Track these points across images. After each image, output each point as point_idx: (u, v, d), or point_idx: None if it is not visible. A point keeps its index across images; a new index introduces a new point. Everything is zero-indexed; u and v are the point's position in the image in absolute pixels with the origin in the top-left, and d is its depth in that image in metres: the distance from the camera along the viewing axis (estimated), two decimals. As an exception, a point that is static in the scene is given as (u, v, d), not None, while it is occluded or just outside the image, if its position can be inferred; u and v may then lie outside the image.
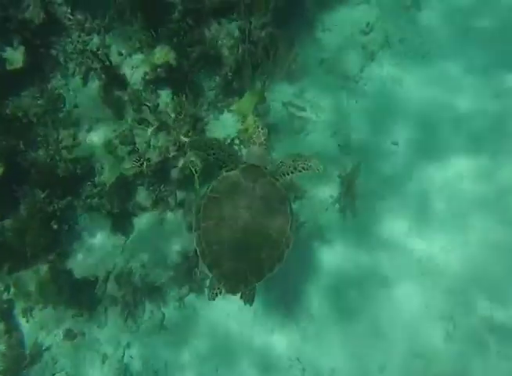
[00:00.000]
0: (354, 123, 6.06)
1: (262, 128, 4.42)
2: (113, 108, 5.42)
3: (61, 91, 5.81)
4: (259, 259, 3.96)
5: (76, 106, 5.76)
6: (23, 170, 5.35)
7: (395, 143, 5.97)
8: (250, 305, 4.32)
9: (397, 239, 5.58)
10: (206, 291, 5.35)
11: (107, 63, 5.58)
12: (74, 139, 5.53)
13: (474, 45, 6.40)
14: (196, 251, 4.08)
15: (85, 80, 5.73)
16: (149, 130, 5.37)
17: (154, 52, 5.65)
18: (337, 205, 5.76)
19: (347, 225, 5.68)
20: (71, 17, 5.95)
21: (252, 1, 5.49)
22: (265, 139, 4.38)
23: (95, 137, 5.51)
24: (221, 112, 5.67)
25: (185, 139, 5.13)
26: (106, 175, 5.40)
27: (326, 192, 5.80)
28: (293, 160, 4.34)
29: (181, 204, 5.54)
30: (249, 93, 5.56)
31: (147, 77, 5.66)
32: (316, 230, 5.71)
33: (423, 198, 5.72)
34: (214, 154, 4.29)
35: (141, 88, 5.71)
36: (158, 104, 5.52)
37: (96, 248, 5.41)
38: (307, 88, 6.21)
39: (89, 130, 5.57)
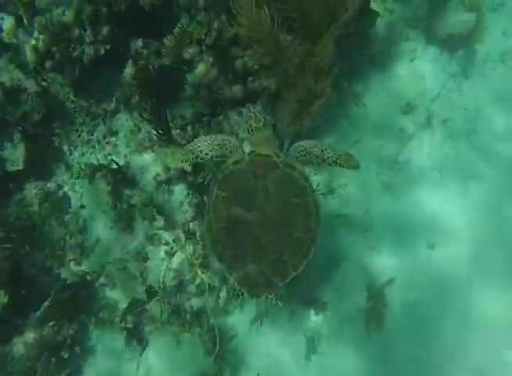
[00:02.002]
0: (387, 220, 5.43)
1: (256, 109, 4.04)
2: (122, 222, 4.90)
3: (65, 189, 5.28)
4: (282, 260, 3.62)
5: (83, 206, 5.26)
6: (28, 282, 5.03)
7: (431, 247, 5.37)
8: (281, 303, 3.99)
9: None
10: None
11: (114, 166, 5.06)
12: (82, 252, 5.06)
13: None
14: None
15: (92, 178, 5.14)
16: (163, 249, 4.87)
17: (166, 153, 5.03)
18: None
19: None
20: (74, 99, 5.27)
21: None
22: (264, 118, 3.85)
23: (105, 250, 5.03)
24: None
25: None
26: (118, 292, 5.01)
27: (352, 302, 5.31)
28: (322, 150, 3.81)
29: (197, 317, 5.14)
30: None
31: (159, 178, 5.08)
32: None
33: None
34: (211, 157, 3.84)
35: (152, 189, 5.12)
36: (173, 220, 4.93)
37: (111, 365, 5.12)
38: (335, 174, 5.55)
39: (98, 240, 5.08)
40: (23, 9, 4.84)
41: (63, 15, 4.70)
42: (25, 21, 5.01)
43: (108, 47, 4.88)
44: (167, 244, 4.99)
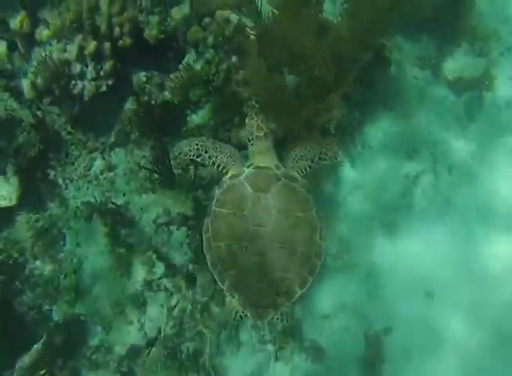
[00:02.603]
0: (387, 269, 5.40)
1: (258, 116, 3.68)
2: (121, 267, 4.74)
3: (60, 224, 5.06)
4: (287, 279, 3.45)
5: (78, 244, 5.05)
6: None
7: (430, 296, 5.36)
8: (287, 323, 3.87)
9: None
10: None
11: (111, 206, 4.90)
12: (76, 293, 4.88)
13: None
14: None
15: (88, 217, 4.94)
16: (162, 295, 4.73)
17: (166, 195, 4.86)
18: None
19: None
20: (71, 131, 5.04)
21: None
22: (266, 128, 3.67)
23: (101, 292, 4.88)
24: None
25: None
26: (114, 336, 4.88)
27: (350, 350, 5.28)
28: (308, 151, 3.73)
29: (194, 361, 5.05)
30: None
31: (159, 220, 4.91)
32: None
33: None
34: (209, 158, 3.71)
35: (151, 231, 4.96)
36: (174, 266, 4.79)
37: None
38: (339, 219, 5.47)
39: (94, 281, 4.92)
40: (20, 39, 4.53)
41: (65, 50, 4.39)
42: (21, 49, 4.70)
43: (110, 82, 4.63)
44: (166, 289, 4.82)
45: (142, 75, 4.88)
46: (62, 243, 5.07)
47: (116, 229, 4.91)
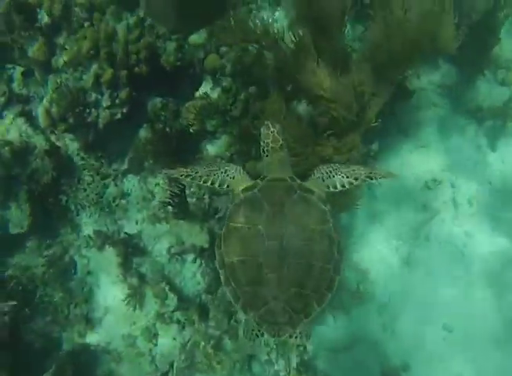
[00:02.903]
0: (403, 298, 5.25)
1: (275, 126, 3.41)
2: (133, 299, 4.64)
3: (71, 252, 4.99)
4: (304, 295, 3.28)
5: (89, 272, 4.97)
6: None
7: (449, 330, 5.21)
8: (308, 339, 3.79)
9: None
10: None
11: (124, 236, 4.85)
12: (88, 323, 4.79)
13: None
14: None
15: (100, 247, 4.85)
16: (175, 327, 4.63)
17: (180, 226, 4.76)
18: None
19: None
20: (84, 156, 4.95)
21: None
22: (283, 139, 3.40)
23: (112, 322, 4.78)
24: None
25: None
26: (124, 368, 4.79)
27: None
28: (353, 169, 3.43)
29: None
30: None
31: (172, 250, 4.81)
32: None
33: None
34: (200, 177, 3.46)
35: (164, 261, 4.86)
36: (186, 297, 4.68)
37: None
38: (354, 248, 5.35)
39: (106, 311, 4.83)
40: (36, 66, 4.46)
41: (81, 78, 4.31)
42: (38, 76, 4.64)
43: (125, 110, 4.55)
44: (178, 322, 4.72)
45: (157, 102, 4.79)
46: (73, 271, 4.95)
47: (128, 260, 4.79)
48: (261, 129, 3.54)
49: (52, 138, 4.90)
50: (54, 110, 4.33)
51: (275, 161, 3.44)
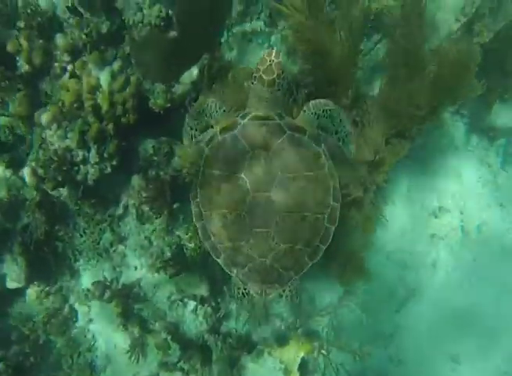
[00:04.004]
0: (410, 331, 5.18)
1: (277, 56, 2.89)
2: (135, 349, 4.62)
3: (71, 300, 4.96)
4: (295, 250, 2.95)
5: (91, 320, 5.02)
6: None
7: (456, 361, 5.16)
8: (296, 300, 3.39)
9: None
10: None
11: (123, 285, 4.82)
12: (92, 371, 4.83)
13: None
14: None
15: (100, 297, 4.80)
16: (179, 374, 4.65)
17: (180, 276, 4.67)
18: None
19: None
20: (78, 203, 4.81)
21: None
22: (280, 74, 2.87)
23: (115, 372, 4.80)
24: (261, 354, 4.83)
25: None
26: None
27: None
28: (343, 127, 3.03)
29: None
30: (295, 340, 4.67)
31: (173, 297, 4.75)
32: None
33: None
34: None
35: (165, 308, 4.81)
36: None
37: None
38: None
39: (108, 360, 4.92)
40: (20, 121, 4.26)
41: (66, 137, 4.09)
42: (22, 129, 4.43)
43: (115, 163, 4.33)
44: (181, 369, 4.70)
45: (148, 147, 4.54)
46: (74, 319, 4.91)
47: (129, 309, 4.73)
48: (262, 53, 3.10)
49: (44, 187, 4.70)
50: (40, 170, 4.11)
51: (262, 96, 2.93)
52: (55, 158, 3.99)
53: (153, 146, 4.65)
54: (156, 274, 4.73)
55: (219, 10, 4.28)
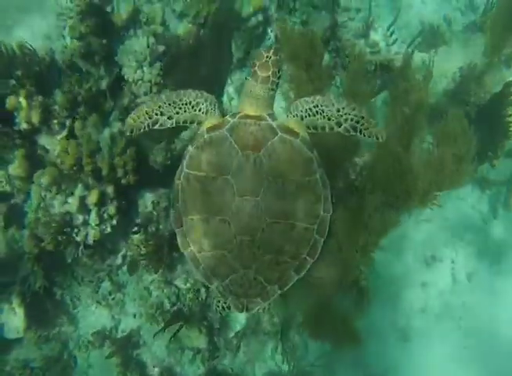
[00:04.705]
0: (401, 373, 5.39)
1: (276, 54, 2.69)
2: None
3: (70, 346, 5.04)
4: (280, 262, 2.74)
5: (90, 366, 5.08)
6: None
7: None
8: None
9: None
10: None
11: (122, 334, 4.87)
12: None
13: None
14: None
15: (100, 346, 4.90)
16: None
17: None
18: None
19: None
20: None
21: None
22: (276, 72, 2.71)
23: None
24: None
25: None
26: None
27: None
28: (338, 110, 2.67)
29: None
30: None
31: (171, 346, 4.90)
32: None
33: None
34: (170, 118, 2.77)
35: (164, 355, 4.95)
36: None
37: None
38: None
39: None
40: (19, 180, 4.25)
41: (65, 202, 4.11)
42: (20, 185, 4.43)
43: (114, 222, 4.37)
44: (182, 418, 4.85)
45: (148, 204, 4.57)
46: (73, 364, 4.99)
47: (128, 358, 4.83)
48: (260, 49, 2.98)
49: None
50: (39, 233, 4.13)
51: (255, 92, 2.72)
52: (55, 224, 3.98)
53: (153, 202, 4.65)
54: (154, 324, 4.82)
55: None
